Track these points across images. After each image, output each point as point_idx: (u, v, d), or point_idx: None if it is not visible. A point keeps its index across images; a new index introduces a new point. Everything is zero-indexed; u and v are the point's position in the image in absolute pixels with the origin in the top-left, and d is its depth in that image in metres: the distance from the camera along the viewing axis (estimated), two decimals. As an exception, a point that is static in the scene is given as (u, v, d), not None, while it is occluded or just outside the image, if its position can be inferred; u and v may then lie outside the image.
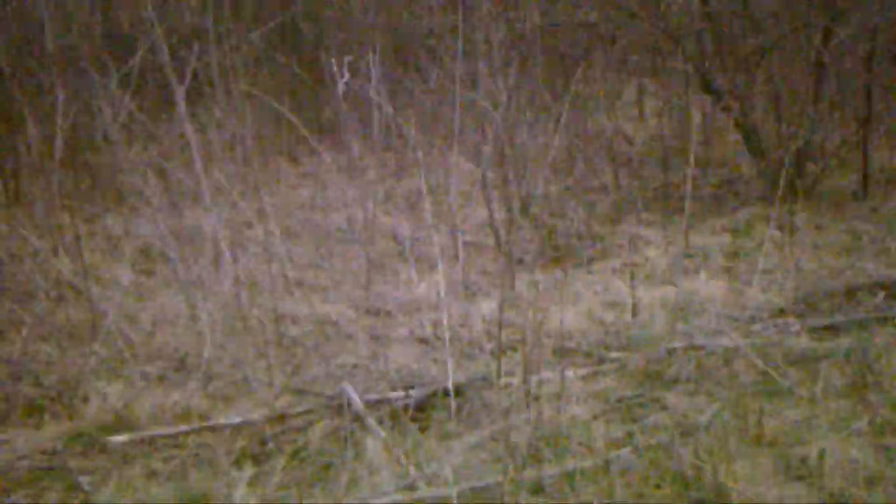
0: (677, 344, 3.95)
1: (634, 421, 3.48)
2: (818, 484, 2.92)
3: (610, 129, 6.04)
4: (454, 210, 4.82)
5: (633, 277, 4.48)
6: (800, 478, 2.97)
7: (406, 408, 3.55)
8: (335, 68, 4.30)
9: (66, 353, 3.88)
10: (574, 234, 5.10)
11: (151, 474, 3.31)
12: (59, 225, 4.85)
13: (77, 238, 4.62)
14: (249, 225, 4.99)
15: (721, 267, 4.95)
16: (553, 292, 4.41)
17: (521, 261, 4.80)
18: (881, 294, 4.43)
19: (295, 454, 3.38)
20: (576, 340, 4.09)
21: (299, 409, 3.64)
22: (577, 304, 4.42)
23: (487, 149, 4.98)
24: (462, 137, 4.99)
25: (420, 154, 4.43)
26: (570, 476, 3.05)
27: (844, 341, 3.86)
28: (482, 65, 5.16)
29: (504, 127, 4.88)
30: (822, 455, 3.01)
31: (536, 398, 3.55)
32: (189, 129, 4.75)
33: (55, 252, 4.70)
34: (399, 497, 2.97)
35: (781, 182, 4.58)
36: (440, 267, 4.15)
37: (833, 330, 4.06)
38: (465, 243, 4.93)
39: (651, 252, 5.13)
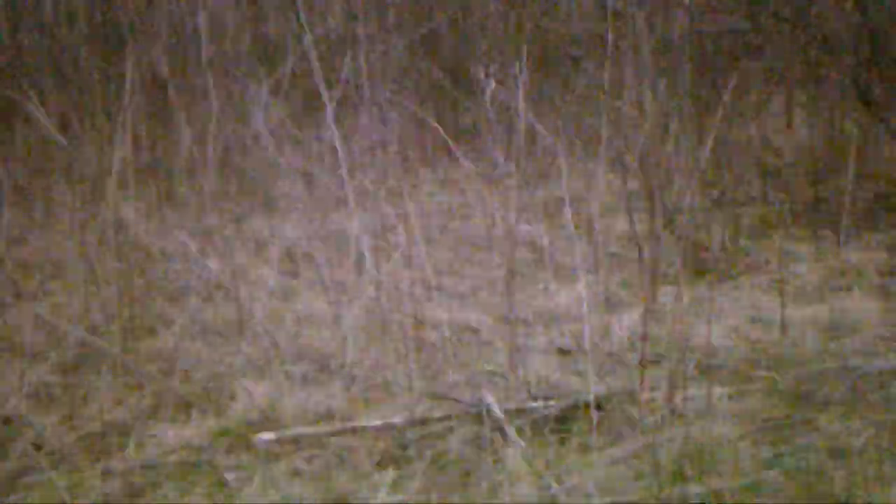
0: (829, 364, 3.81)
1: (784, 442, 3.37)
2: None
3: (757, 140, 5.87)
4: (595, 220, 4.76)
5: (781, 294, 4.34)
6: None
7: (546, 419, 3.52)
8: (482, 76, 4.32)
9: (214, 351, 3.98)
10: (719, 248, 4.97)
11: (295, 473, 3.37)
12: (209, 226, 5.01)
13: (226, 239, 4.76)
14: (391, 230, 5.04)
15: (876, 285, 4.75)
16: (698, 307, 4.31)
17: (663, 274, 4.70)
18: None
19: (435, 459, 3.39)
20: (721, 357, 3.98)
21: (439, 414, 3.65)
22: (723, 319, 4.31)
23: (631, 158, 4.91)
24: (605, 146, 4.94)
25: (562, 162, 4.40)
26: (716, 496, 2.97)
27: None
28: (629, 73, 5.10)
29: (649, 136, 4.79)
30: None
31: (681, 415, 3.48)
32: (336, 134, 4.84)
33: (205, 252, 4.85)
34: (540, 509, 2.94)
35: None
36: (580, 277, 4.11)
37: None
38: (606, 254, 4.87)
39: (800, 268, 4.97)
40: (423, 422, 3.59)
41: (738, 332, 4.25)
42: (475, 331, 4.33)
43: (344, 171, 4.71)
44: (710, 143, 4.58)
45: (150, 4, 6.37)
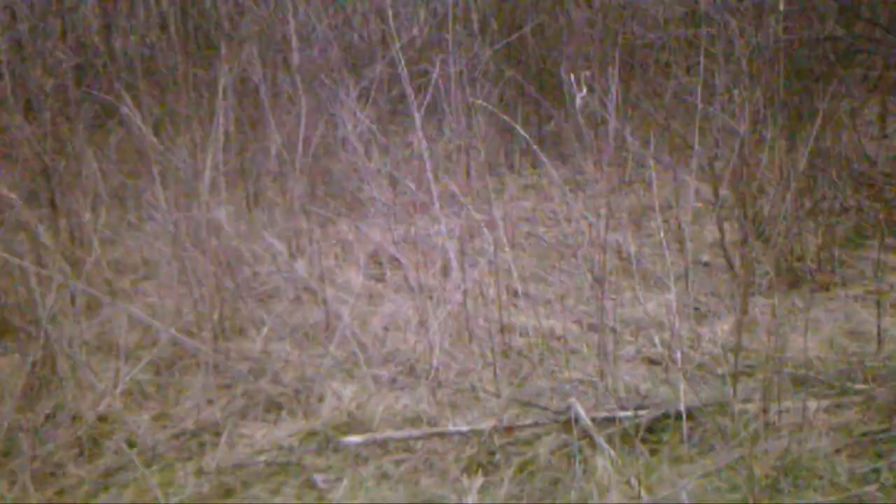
0: (929, 379, 3.70)
1: (881, 457, 3.28)
2: None
3: (851, 149, 5.73)
4: (685, 228, 4.69)
5: (878, 305, 4.23)
6: None
7: (636, 428, 3.47)
8: (572, 82, 4.29)
9: (303, 353, 4.02)
10: (812, 258, 4.86)
11: (383, 476, 3.38)
12: (297, 229, 5.06)
13: (313, 242, 4.81)
14: (476, 235, 5.03)
15: (978, 298, 4.60)
16: (791, 318, 4.22)
17: (755, 284, 4.61)
18: None
19: (523, 467, 3.37)
20: (816, 369, 3.89)
21: (526, 421, 3.63)
22: (817, 331, 4.21)
23: (722, 166, 4.84)
24: (696, 153, 4.87)
25: (653, 169, 4.35)
26: (813, 512, 2.90)
27: None
28: (720, 79, 5.02)
29: (741, 143, 4.71)
30: None
31: (775, 427, 3.41)
32: (422, 139, 4.85)
33: (293, 255, 4.90)
34: (632, 519, 2.90)
35: None
36: (670, 286, 4.06)
37: None
38: (696, 263, 4.80)
39: (896, 278, 4.84)
40: (511, 429, 3.57)
41: (834, 344, 4.14)
42: (561, 338, 4.29)
43: (430, 176, 4.73)
44: (805, 151, 4.49)
45: (242, 11, 6.48)
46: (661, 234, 4.31)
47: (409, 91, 4.74)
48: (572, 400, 3.64)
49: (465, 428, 3.57)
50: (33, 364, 3.87)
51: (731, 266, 4.82)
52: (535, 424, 3.60)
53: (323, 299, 4.43)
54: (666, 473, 3.24)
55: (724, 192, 5.04)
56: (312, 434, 3.64)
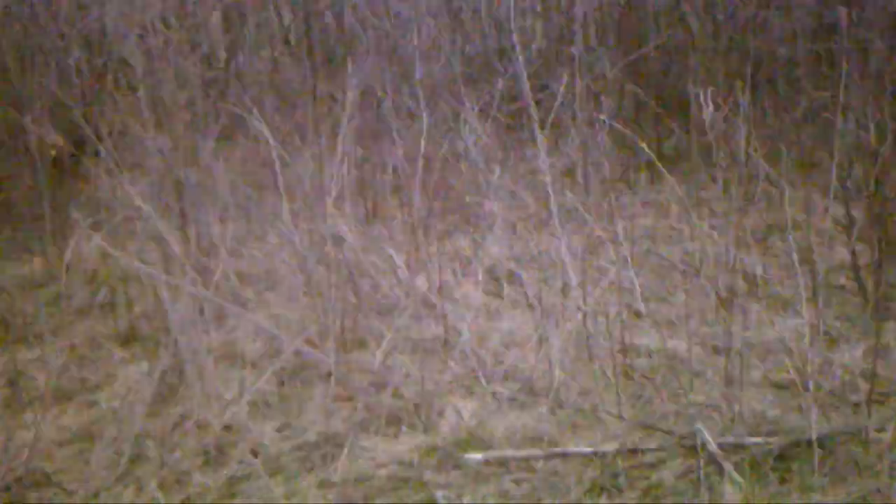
0: None
1: None
2: None
3: None
4: (814, 249, 4.55)
5: None
6: None
7: (766, 456, 3.37)
8: (699, 97, 4.21)
9: (422, 367, 4.02)
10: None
11: (503, 494, 3.36)
12: (415, 242, 5.07)
13: (432, 256, 4.81)
14: (595, 252, 4.98)
15: None
16: (929, 344, 4.06)
17: (888, 308, 4.45)
18: None
19: (647, 491, 3.31)
20: (957, 399, 3.72)
21: (650, 445, 3.56)
22: (958, 358, 4.03)
23: (854, 185, 4.68)
24: (826, 171, 4.72)
25: (783, 187, 4.23)
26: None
27: None
28: (853, 95, 4.86)
29: (875, 161, 4.55)
30: None
31: (914, 459, 3.28)
32: (543, 154, 4.83)
33: (412, 269, 4.91)
34: (764, 552, 2.82)
35: None
36: (801, 308, 3.94)
37: None
38: (825, 285, 4.64)
39: None
40: (635, 452, 3.51)
41: (975, 374, 3.96)
42: (684, 360, 4.20)
43: (550, 191, 4.70)
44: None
45: (364, 26, 6.56)
46: (792, 255, 4.17)
47: (531, 105, 4.72)
48: (698, 424, 3.56)
49: (587, 449, 3.53)
50: (162, 372, 3.97)
51: (863, 289, 4.65)
52: (660, 448, 3.53)
53: (442, 314, 4.43)
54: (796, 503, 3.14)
55: (856, 211, 4.87)
56: (433, 449, 3.64)
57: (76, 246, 4.81)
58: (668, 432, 3.62)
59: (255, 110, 4.97)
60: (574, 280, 4.45)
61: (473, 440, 3.68)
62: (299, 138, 5.21)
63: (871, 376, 3.51)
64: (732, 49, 6.18)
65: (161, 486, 3.48)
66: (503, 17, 7.02)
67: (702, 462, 3.36)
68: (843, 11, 5.32)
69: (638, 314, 4.64)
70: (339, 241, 4.43)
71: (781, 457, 3.41)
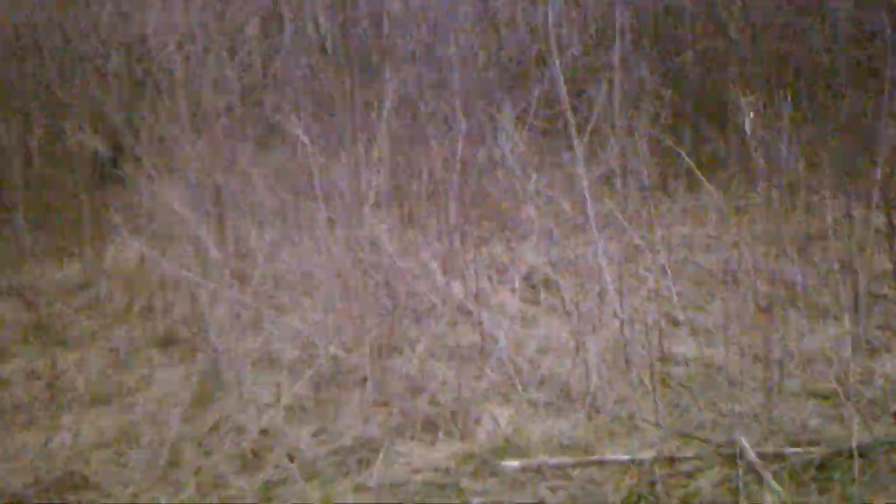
0: None
1: None
2: None
3: None
4: (855, 257, 4.49)
5: None
6: None
7: (806, 465, 3.33)
8: (741, 104, 4.18)
9: (458, 374, 4.01)
10: None
11: (540, 502, 3.33)
12: (451, 249, 5.07)
13: (468, 262, 4.80)
14: (633, 259, 4.94)
15: None
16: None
17: (931, 317, 4.39)
18: None
19: (685, 500, 3.28)
20: None
21: (687, 453, 3.53)
22: None
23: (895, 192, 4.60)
24: (867, 178, 4.66)
25: (825, 195, 4.18)
26: None
27: None
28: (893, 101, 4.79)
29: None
30: None
31: (959, 471, 3.22)
32: (581, 161, 4.80)
33: (448, 275, 4.91)
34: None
35: None
36: (840, 317, 3.89)
37: None
38: (866, 294, 4.58)
39: None
40: (672, 460, 3.47)
41: None
42: (722, 368, 4.16)
43: (587, 198, 4.68)
44: None
45: (402, 32, 6.57)
46: (833, 264, 4.13)
47: (568, 112, 4.70)
48: (736, 433, 3.52)
49: (625, 457, 3.50)
50: (199, 376, 3.99)
51: (904, 298, 4.59)
52: (697, 457, 3.49)
53: (478, 321, 4.42)
54: (838, 515, 3.10)
55: (897, 219, 4.81)
56: (469, 456, 3.62)
57: (115, 250, 4.86)
58: (706, 441, 3.58)
59: (292, 117, 4.99)
60: (611, 287, 4.42)
61: (510, 447, 3.66)
62: (336, 144, 5.22)
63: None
64: (771, 56, 6.12)
65: (198, 489, 3.49)
66: (540, 23, 7.01)
67: (740, 471, 3.32)
68: (886, 18, 5.26)
69: (675, 322, 4.60)
70: (375, 246, 4.43)
71: (822, 466, 3.37)
